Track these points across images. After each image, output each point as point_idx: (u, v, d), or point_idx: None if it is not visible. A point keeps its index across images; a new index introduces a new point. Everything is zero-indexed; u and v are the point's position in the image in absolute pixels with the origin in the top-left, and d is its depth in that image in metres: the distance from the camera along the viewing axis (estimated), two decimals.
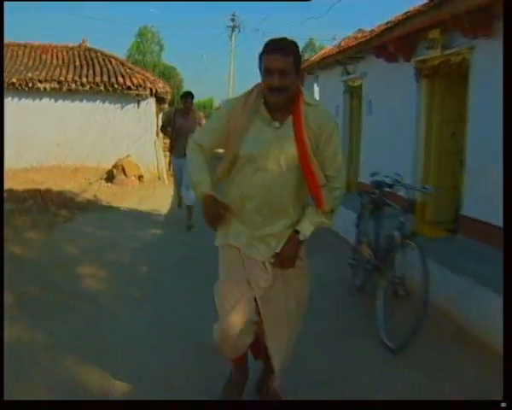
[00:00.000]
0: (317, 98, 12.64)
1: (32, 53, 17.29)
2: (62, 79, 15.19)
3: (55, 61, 16.64)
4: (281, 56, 2.68)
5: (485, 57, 6.04)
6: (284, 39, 2.79)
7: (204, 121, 8.77)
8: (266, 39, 2.83)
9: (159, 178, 15.66)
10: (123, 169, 14.85)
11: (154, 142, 16.03)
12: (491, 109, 5.81)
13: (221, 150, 3.07)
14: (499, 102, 5.49)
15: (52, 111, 15.38)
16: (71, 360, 3.93)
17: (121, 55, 34.03)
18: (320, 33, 64.93)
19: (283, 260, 2.95)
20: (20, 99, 15.15)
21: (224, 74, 66.53)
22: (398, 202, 5.07)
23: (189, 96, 9.05)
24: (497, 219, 5.66)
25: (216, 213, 2.90)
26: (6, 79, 14.52)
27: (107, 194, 12.85)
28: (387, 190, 5.19)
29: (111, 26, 78.66)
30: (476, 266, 5.21)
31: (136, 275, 6.32)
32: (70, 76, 15.42)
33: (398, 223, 4.64)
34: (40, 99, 15.31)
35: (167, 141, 10.89)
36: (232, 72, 39.28)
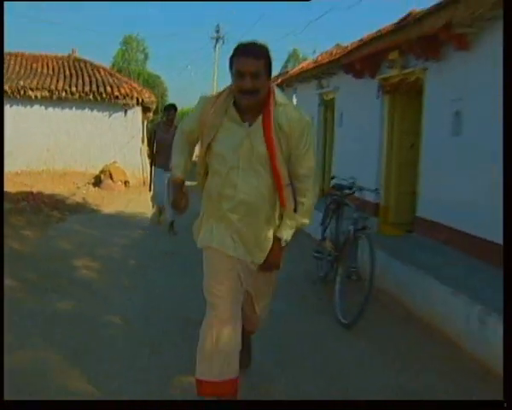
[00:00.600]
0: None
1: (24, 62, 18.04)
2: (53, 87, 15.95)
3: (45, 71, 17.39)
4: (252, 59, 2.71)
5: (436, 77, 6.89)
6: (255, 43, 2.83)
7: None
8: None
9: (144, 184, 16.34)
10: (110, 174, 15.56)
11: (140, 149, 16.76)
12: (442, 123, 6.66)
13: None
14: (448, 117, 6.38)
15: (42, 118, 16.13)
16: (70, 330, 4.64)
17: (106, 62, 34.72)
18: (302, 45, 65.90)
19: (269, 265, 3.08)
20: (11, 106, 15.82)
21: (208, 84, 67.47)
22: (354, 202, 5.86)
23: (171, 108, 9.02)
24: (446, 220, 6.51)
25: (179, 199, 3.10)
26: None
27: (95, 197, 13.54)
28: (346, 191, 5.97)
29: (96, 36, 79.33)
30: (424, 258, 6.02)
31: (126, 266, 7.03)
32: (60, 85, 16.18)
33: (353, 219, 5.43)
34: (31, 106, 16.07)
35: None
36: (216, 82, 40.08)
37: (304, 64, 14.33)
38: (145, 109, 17.15)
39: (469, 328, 4.51)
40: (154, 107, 17.94)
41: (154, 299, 5.65)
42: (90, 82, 16.68)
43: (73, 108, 16.31)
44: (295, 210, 3.01)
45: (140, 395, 3.51)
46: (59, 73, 17.29)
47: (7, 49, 18.37)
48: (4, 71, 16.84)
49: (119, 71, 34.62)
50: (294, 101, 14.02)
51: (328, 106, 11.70)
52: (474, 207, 5.96)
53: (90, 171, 16.15)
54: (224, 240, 3.02)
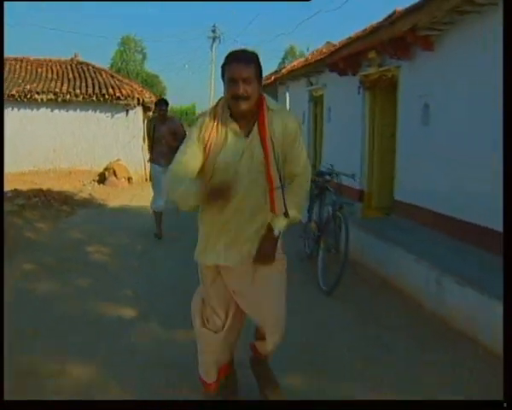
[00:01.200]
0: (288, 105, 14.30)
1: (29, 67, 18.88)
2: (57, 90, 16.77)
3: (50, 75, 18.21)
4: (243, 66, 2.79)
5: (408, 74, 7.68)
6: (245, 50, 2.94)
7: (183, 131, 8.50)
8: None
9: (146, 180, 17.11)
10: (114, 172, 16.34)
11: (141, 147, 17.54)
12: (413, 114, 7.45)
13: None
14: (418, 109, 7.16)
15: (48, 120, 16.97)
16: (91, 300, 5.46)
17: (105, 64, 35.48)
18: (299, 42, 66.78)
19: (262, 257, 3.05)
20: (19, 109, 16.68)
21: (205, 83, 68.42)
22: (344, 191, 6.68)
23: (163, 103, 8.68)
24: (418, 201, 7.31)
25: (224, 190, 2.88)
26: (6, 91, 16.02)
27: (100, 193, 14.33)
28: (327, 177, 6.77)
29: (94, 39, 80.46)
30: (396, 235, 6.80)
31: (133, 251, 7.82)
32: (64, 88, 17.00)
33: (331, 201, 6.23)
34: (38, 109, 16.88)
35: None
36: (213, 80, 40.85)
37: (295, 63, 15.09)
38: (145, 109, 17.93)
39: (429, 290, 5.31)
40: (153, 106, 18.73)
41: (159, 276, 6.46)
42: (93, 84, 17.51)
43: (77, 110, 17.14)
44: (286, 210, 3.02)
45: (150, 346, 4.33)
46: (63, 76, 18.13)
47: (12, 54, 19.32)
48: (11, 76, 17.69)
49: (118, 71, 35.45)
50: (287, 98, 14.84)
51: (317, 102, 12.50)
52: (439, 188, 6.77)
53: (94, 169, 16.96)
54: (218, 249, 3.09)
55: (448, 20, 6.24)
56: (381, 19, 9.47)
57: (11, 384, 3.46)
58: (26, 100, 16.51)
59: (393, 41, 7.35)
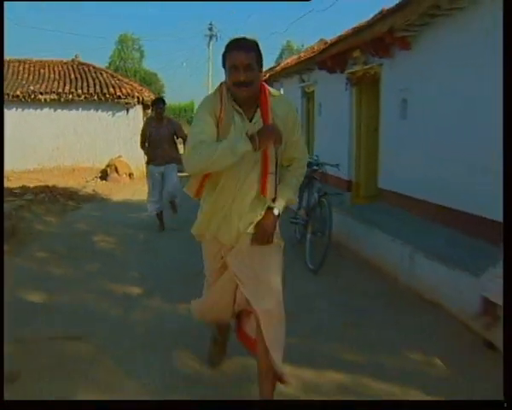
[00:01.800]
0: None
1: (32, 68, 19.54)
2: (60, 90, 17.46)
3: (52, 75, 18.87)
4: (244, 53, 2.83)
5: (388, 71, 8.31)
6: (245, 38, 2.98)
7: (182, 130, 8.70)
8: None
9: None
10: (115, 168, 16.97)
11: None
12: (393, 109, 8.07)
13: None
14: (397, 104, 7.78)
15: (52, 119, 17.67)
16: (100, 281, 6.09)
17: (103, 63, 35.97)
18: (296, 38, 67.33)
19: (262, 234, 3.07)
20: (23, 109, 17.36)
21: (203, 80, 69.14)
22: (334, 181, 7.29)
23: (159, 102, 8.66)
24: (398, 188, 7.94)
25: (274, 130, 2.89)
26: (11, 92, 16.69)
27: (103, 189, 14.96)
28: (314, 168, 7.38)
29: (93, 40, 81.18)
30: (377, 218, 7.42)
31: (137, 240, 8.45)
32: (67, 88, 17.68)
33: (317, 188, 6.86)
34: (41, 109, 17.57)
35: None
36: (210, 78, 41.48)
37: (289, 60, 15.67)
38: (145, 107, 18.56)
39: (403, 265, 5.93)
40: None
41: (161, 261, 7.08)
42: (94, 84, 18.20)
43: (80, 109, 17.83)
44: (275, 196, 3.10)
45: (154, 317, 4.96)
46: (65, 77, 18.79)
47: (13, 55, 19.93)
48: (15, 77, 18.32)
49: (116, 70, 35.99)
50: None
51: (309, 98, 13.14)
52: (416, 176, 7.40)
53: (96, 166, 17.63)
54: (220, 228, 3.14)
55: (421, 22, 6.86)
56: (370, 17, 10.09)
57: (44, 345, 4.09)
58: (30, 100, 17.17)
59: (374, 41, 7.98)
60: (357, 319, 4.98)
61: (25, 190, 12.69)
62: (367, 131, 9.76)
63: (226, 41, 3.02)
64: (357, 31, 8.47)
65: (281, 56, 46.79)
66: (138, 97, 17.97)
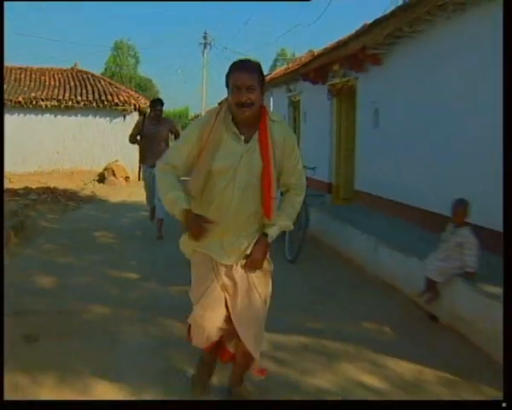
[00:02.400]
0: (272, 109, 15.73)
1: (33, 75, 20.44)
2: (60, 97, 18.35)
3: (52, 83, 19.75)
4: (247, 74, 2.88)
5: (363, 84, 9.19)
6: (249, 60, 3.04)
7: (179, 129, 8.99)
8: (234, 55, 3.71)
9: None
10: (113, 171, 17.77)
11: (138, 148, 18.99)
12: (367, 118, 8.94)
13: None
14: (371, 114, 8.64)
15: (52, 125, 18.57)
16: (103, 268, 6.91)
17: (99, 68, 36.63)
18: (290, 45, 68.45)
19: (253, 260, 3.10)
20: (25, 115, 18.24)
21: (197, 87, 70.17)
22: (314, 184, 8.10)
23: (158, 103, 8.74)
24: (371, 190, 8.79)
25: (200, 227, 2.96)
26: (13, 98, 17.52)
27: (101, 191, 15.76)
28: None
29: (90, 47, 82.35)
30: (350, 216, 8.26)
31: (134, 236, 9.26)
32: (67, 95, 18.57)
33: None
34: (42, 115, 18.46)
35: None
36: (205, 85, 42.35)
37: (278, 71, 16.57)
38: (141, 113, 19.31)
39: (368, 255, 6.77)
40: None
41: (156, 253, 7.89)
42: (93, 91, 19.08)
43: (79, 115, 18.71)
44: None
45: (150, 296, 5.76)
46: (65, 84, 19.68)
47: (17, 63, 20.78)
48: (17, 84, 19.16)
49: (112, 76, 36.69)
50: (271, 102, 16.31)
51: (295, 106, 14.04)
52: (386, 179, 8.27)
53: (94, 169, 18.46)
54: (212, 247, 3.11)
55: (389, 41, 7.74)
56: (353, 31, 10.95)
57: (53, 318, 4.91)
58: (31, 106, 18.05)
59: (350, 57, 8.85)
60: (324, 298, 5.82)
61: (28, 190, 13.48)
62: (346, 139, 10.61)
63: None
64: (336, 47, 9.35)
65: (275, 63, 47.50)
66: (135, 104, 18.84)
